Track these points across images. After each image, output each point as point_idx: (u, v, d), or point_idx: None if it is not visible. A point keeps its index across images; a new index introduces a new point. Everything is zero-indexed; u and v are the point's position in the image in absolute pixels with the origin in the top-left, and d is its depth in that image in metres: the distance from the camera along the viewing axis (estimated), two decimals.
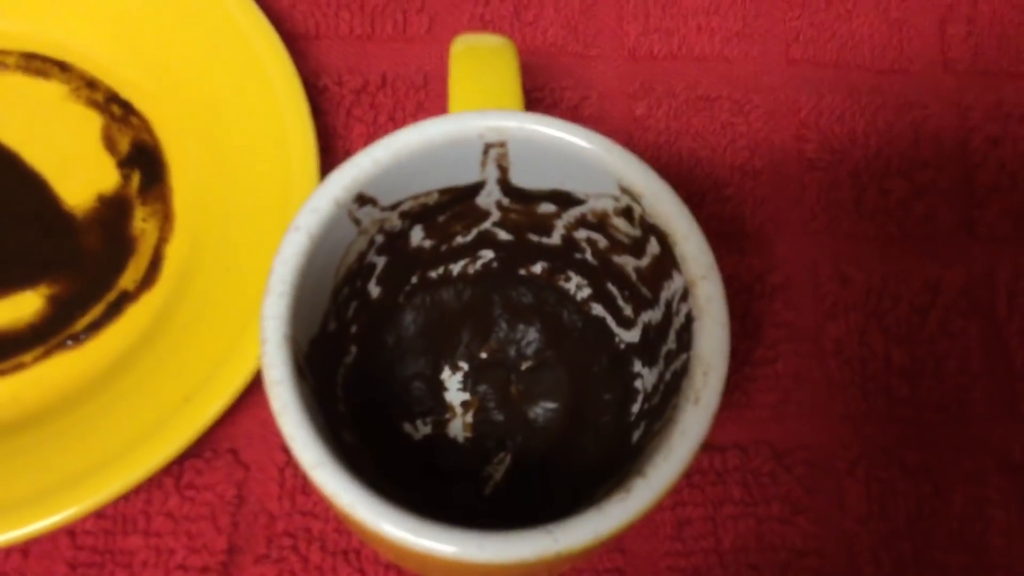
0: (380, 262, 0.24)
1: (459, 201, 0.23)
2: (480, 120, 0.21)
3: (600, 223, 0.23)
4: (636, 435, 0.23)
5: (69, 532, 0.26)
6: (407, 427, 0.26)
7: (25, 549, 0.26)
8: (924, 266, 0.31)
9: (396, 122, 0.31)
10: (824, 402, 0.29)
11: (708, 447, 0.28)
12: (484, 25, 0.33)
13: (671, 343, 0.22)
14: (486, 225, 0.25)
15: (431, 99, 0.32)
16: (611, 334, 0.26)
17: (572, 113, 0.32)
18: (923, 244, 0.31)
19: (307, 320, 0.21)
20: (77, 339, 0.28)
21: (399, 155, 0.21)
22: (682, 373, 0.20)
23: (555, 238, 0.25)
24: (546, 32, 0.33)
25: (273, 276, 0.19)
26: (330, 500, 0.18)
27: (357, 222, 0.21)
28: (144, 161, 0.30)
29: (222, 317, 0.26)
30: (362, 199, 0.21)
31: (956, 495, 0.28)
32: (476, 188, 0.23)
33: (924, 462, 0.28)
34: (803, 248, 0.31)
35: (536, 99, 0.32)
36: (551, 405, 0.26)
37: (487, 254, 0.26)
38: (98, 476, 0.24)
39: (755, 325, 0.30)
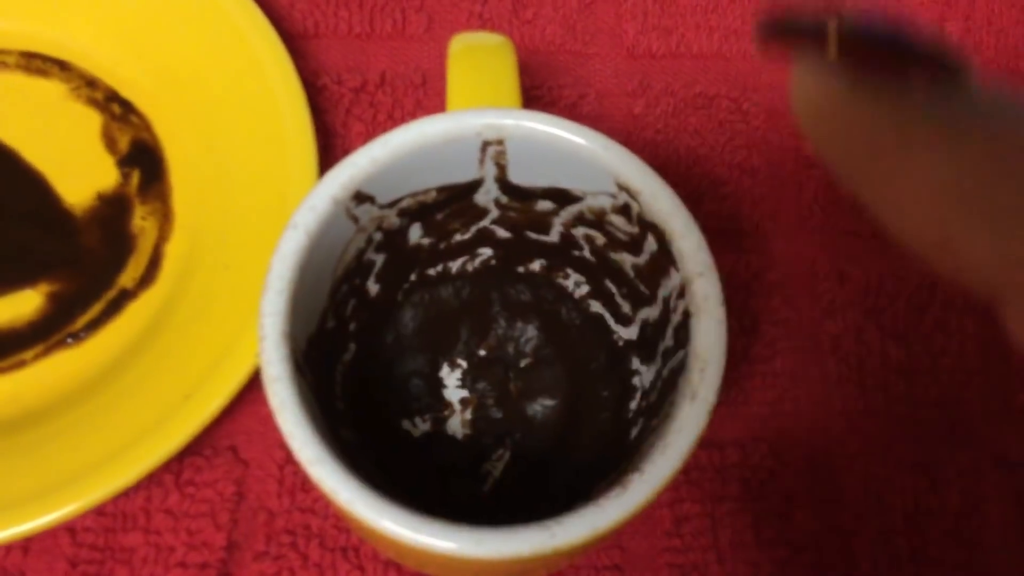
0: (379, 260, 0.24)
1: (457, 199, 0.23)
2: (478, 118, 0.21)
3: (598, 220, 0.23)
4: (634, 432, 0.23)
5: (69, 529, 0.26)
6: (406, 424, 0.26)
7: (26, 546, 0.26)
8: (922, 263, 0.31)
9: (395, 120, 0.31)
10: (822, 399, 0.29)
11: (706, 444, 0.28)
12: (482, 23, 0.33)
13: (669, 340, 0.22)
14: (485, 223, 0.25)
15: (429, 97, 0.32)
16: (609, 331, 0.26)
17: (570, 111, 0.32)
18: None
19: (305, 317, 0.21)
20: (77, 337, 0.28)
21: (397, 153, 0.21)
22: (679, 370, 0.20)
23: (553, 235, 0.25)
24: (544, 30, 0.33)
25: (271, 273, 0.19)
26: (329, 497, 0.18)
27: (355, 220, 0.21)
28: (144, 160, 0.30)
29: (221, 315, 0.27)
30: (360, 197, 0.21)
31: (952, 491, 0.28)
32: (474, 186, 0.23)
33: (920, 459, 0.28)
34: (801, 246, 0.31)
35: (535, 97, 0.32)
36: (549, 402, 0.26)
37: (486, 251, 0.26)
38: (98, 473, 0.24)
39: (753, 322, 0.30)
